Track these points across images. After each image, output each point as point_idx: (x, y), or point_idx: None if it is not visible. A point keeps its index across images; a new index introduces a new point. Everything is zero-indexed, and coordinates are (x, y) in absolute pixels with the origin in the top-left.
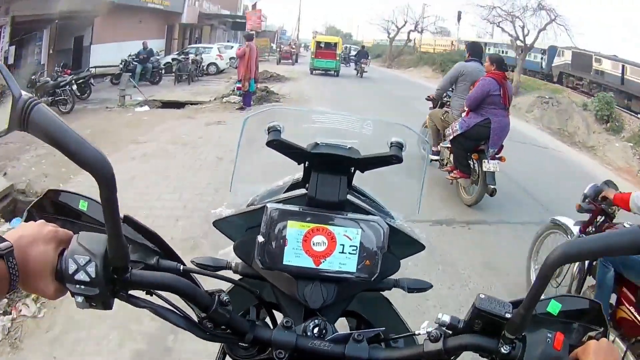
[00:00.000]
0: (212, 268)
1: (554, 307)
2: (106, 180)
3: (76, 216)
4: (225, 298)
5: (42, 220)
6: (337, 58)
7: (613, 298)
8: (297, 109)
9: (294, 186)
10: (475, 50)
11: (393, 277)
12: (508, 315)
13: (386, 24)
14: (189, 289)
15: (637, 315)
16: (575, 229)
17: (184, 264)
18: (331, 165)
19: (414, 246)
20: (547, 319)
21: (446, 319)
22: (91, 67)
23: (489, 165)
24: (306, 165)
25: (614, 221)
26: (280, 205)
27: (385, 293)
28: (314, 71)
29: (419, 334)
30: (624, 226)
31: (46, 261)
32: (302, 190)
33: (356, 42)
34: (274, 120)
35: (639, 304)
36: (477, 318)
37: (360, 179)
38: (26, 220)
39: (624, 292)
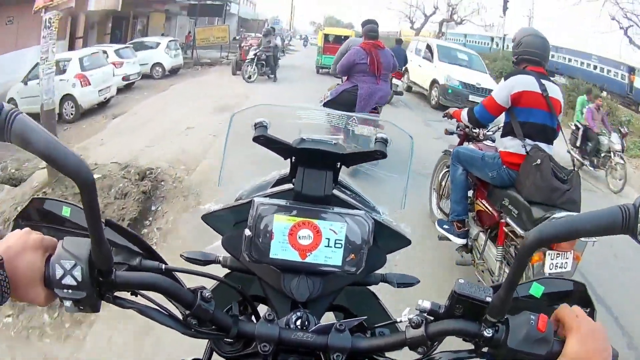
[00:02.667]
0: (201, 262)
1: (537, 290)
2: (87, 186)
3: (60, 222)
4: (207, 294)
5: (28, 228)
6: None
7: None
8: (284, 106)
9: (280, 181)
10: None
11: (380, 271)
12: (488, 299)
13: (409, 9)
14: (171, 287)
15: (488, 206)
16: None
17: (165, 263)
18: (317, 160)
19: (400, 241)
20: (530, 302)
21: (427, 305)
22: None
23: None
24: (292, 160)
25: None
26: (267, 200)
27: (374, 289)
28: (320, 70)
29: (401, 321)
30: (485, 144)
31: (34, 269)
32: (289, 185)
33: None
34: (261, 117)
35: (488, 196)
36: (457, 303)
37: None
38: (13, 230)
39: (479, 188)
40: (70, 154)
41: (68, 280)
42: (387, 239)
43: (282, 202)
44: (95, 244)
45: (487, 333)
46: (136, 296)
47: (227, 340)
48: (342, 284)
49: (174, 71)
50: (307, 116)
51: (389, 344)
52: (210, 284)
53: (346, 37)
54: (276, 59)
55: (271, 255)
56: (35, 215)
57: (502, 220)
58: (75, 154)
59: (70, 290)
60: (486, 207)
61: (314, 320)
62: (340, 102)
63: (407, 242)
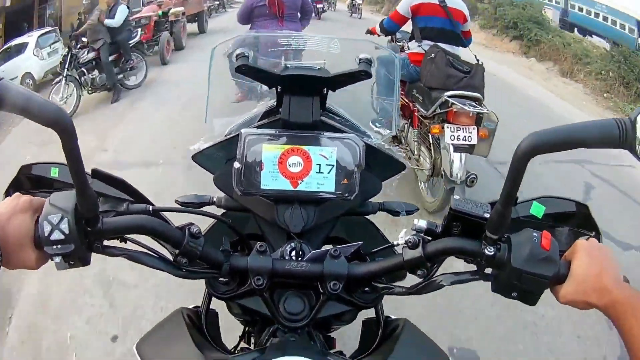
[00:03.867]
0: (195, 205)
1: (537, 209)
2: (67, 133)
3: (50, 185)
4: (195, 230)
5: (17, 193)
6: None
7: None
8: (265, 34)
9: (268, 113)
10: None
11: (378, 200)
12: (487, 215)
13: None
14: (158, 227)
15: (405, 99)
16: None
17: (152, 205)
18: (302, 86)
19: (394, 166)
20: (531, 222)
21: (423, 224)
22: None
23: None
24: (278, 89)
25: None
26: (255, 130)
27: (373, 219)
28: None
29: (398, 244)
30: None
31: (25, 231)
32: (277, 116)
33: None
34: (242, 47)
35: (405, 92)
36: (454, 220)
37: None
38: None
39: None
40: (48, 103)
41: (56, 235)
42: (380, 164)
43: (270, 131)
44: (79, 191)
45: (489, 251)
46: (125, 242)
47: (222, 280)
48: (338, 212)
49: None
50: (289, 43)
51: (386, 267)
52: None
53: None
54: (127, 52)
55: (262, 186)
56: (26, 182)
57: (414, 108)
58: (52, 103)
59: (59, 245)
60: (404, 100)
61: (309, 249)
62: None
63: (401, 166)
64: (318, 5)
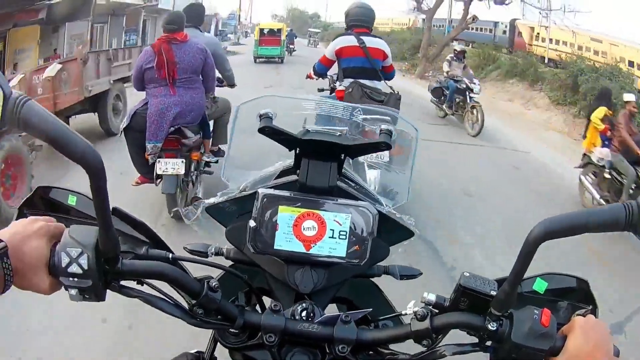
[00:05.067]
0: (204, 254)
1: (540, 285)
2: (96, 171)
3: (66, 211)
4: (214, 284)
5: (33, 217)
6: (281, 44)
7: None
8: (289, 97)
9: (285, 172)
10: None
11: (383, 263)
12: (493, 293)
13: None
14: (178, 277)
15: None
16: None
17: (172, 253)
18: (322, 151)
19: (403, 233)
20: (533, 297)
21: (432, 298)
22: None
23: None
24: (297, 151)
25: None
26: (272, 191)
27: (376, 281)
28: (257, 59)
29: (406, 314)
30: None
31: (40, 256)
32: (293, 177)
33: (325, 25)
34: (266, 108)
35: None
36: (462, 296)
37: None
38: (17, 219)
39: None
40: (79, 140)
41: (74, 269)
42: (390, 230)
43: (286, 193)
44: (102, 231)
45: (492, 327)
46: (142, 285)
47: (232, 331)
48: (346, 276)
49: None
50: (312, 107)
51: (394, 336)
52: (214, 275)
53: (279, 30)
54: None
55: (275, 247)
56: (40, 204)
57: None
58: (83, 139)
59: (76, 279)
60: None
61: (319, 311)
62: (136, 127)
63: (410, 233)
64: (291, 46)
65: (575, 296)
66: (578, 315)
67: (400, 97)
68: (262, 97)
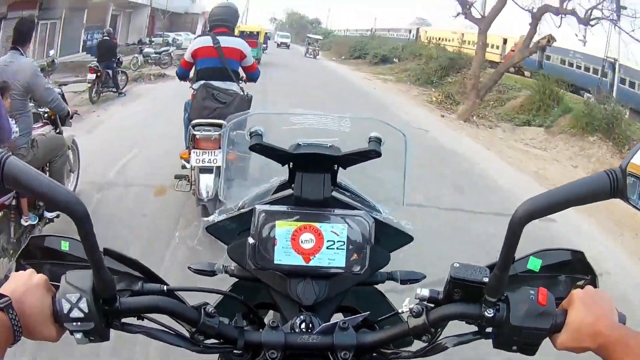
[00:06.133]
0: (208, 273)
1: (535, 264)
2: (81, 218)
3: (61, 257)
4: (211, 310)
5: (31, 270)
6: (258, 46)
7: None
8: (276, 113)
9: (281, 187)
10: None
11: (385, 270)
12: (485, 280)
13: None
14: (174, 307)
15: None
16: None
17: (167, 284)
18: (314, 164)
19: (402, 238)
20: (529, 277)
21: (425, 293)
22: None
23: None
24: (290, 166)
25: None
26: (268, 207)
27: (381, 287)
28: None
29: (402, 312)
30: None
31: (43, 306)
32: (289, 191)
33: (326, 32)
34: (255, 125)
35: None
36: (455, 287)
37: None
38: (17, 270)
39: None
40: (62, 190)
41: (75, 313)
42: (389, 236)
43: (283, 208)
44: (96, 274)
45: (489, 313)
46: (142, 320)
47: (236, 352)
48: (348, 285)
49: None
50: (301, 121)
51: (393, 335)
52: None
53: (257, 33)
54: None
55: (275, 262)
56: (36, 253)
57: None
58: (65, 189)
59: (79, 323)
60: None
61: (318, 321)
62: None
63: (409, 238)
64: (264, 45)
65: (573, 268)
66: (577, 287)
67: (250, 98)
68: (250, 114)
